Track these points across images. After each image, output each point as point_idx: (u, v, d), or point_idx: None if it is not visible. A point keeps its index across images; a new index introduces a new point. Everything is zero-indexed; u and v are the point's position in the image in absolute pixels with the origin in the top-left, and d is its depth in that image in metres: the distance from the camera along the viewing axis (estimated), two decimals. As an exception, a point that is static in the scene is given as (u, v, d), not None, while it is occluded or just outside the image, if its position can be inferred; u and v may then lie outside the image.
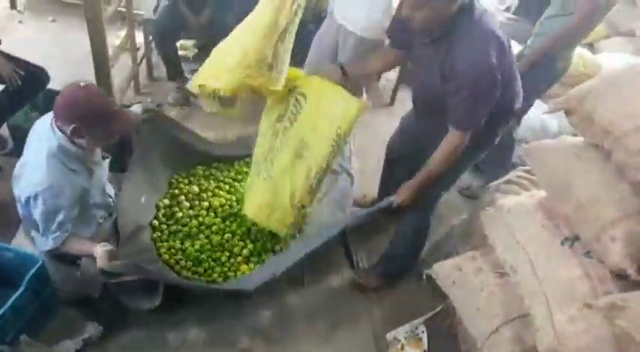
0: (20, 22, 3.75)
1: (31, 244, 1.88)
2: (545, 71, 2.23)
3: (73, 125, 1.55)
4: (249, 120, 3.02)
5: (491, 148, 1.70)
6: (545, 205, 1.43)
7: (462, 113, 1.49)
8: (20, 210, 1.77)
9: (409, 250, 2.11)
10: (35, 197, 1.57)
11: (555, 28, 2.21)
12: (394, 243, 2.10)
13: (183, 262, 2.05)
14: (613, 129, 1.15)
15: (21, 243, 1.90)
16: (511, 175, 2.05)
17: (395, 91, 3.55)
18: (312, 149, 1.84)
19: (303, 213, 1.99)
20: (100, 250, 1.62)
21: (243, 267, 2.07)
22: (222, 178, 2.51)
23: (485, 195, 2.19)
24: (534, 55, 2.22)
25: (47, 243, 1.66)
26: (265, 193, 1.99)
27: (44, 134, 1.63)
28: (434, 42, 1.54)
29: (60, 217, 1.62)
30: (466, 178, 2.92)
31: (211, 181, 2.47)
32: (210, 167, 2.57)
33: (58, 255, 1.82)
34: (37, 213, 1.61)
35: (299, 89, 1.90)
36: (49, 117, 1.67)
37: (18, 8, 3.85)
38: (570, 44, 2.27)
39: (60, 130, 1.60)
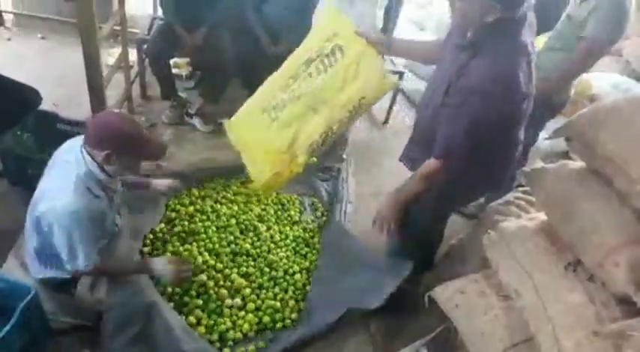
0: (9, 39, 3.71)
1: (21, 271, 1.83)
2: (544, 105, 2.20)
3: (106, 151, 1.55)
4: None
5: (492, 190, 1.71)
6: (547, 229, 1.43)
7: (444, 137, 1.51)
8: (31, 235, 1.72)
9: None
10: (60, 222, 1.54)
11: (555, 61, 2.20)
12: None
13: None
14: (614, 157, 1.16)
15: (10, 269, 1.84)
16: (509, 196, 2.06)
17: (389, 111, 3.58)
18: (330, 108, 1.75)
19: (291, 169, 1.83)
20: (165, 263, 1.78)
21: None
22: (218, 198, 2.50)
23: (483, 214, 2.18)
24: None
25: (76, 265, 1.63)
26: (264, 129, 1.88)
27: (72, 158, 1.61)
28: (464, 48, 1.49)
29: (87, 241, 1.61)
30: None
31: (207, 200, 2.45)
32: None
33: (53, 284, 1.78)
34: (63, 237, 1.57)
35: (339, 41, 1.76)
36: (76, 141, 1.66)
37: (5, 25, 3.81)
38: (572, 79, 2.26)
39: (90, 156, 1.59)
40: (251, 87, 3.33)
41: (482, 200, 2.52)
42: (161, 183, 2.11)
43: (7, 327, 1.44)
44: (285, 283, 2.14)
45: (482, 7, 1.37)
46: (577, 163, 1.41)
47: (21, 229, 2.08)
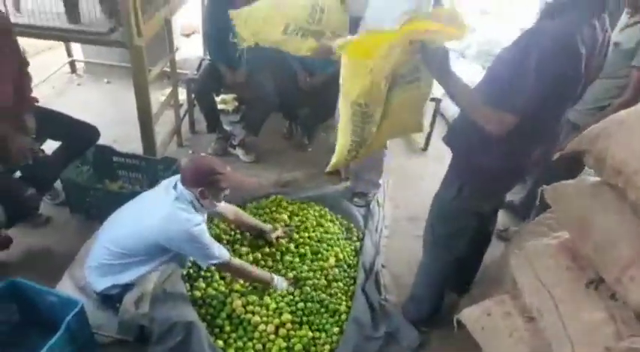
0: (79, 84, 4.15)
1: (73, 289, 2.01)
2: None
3: (200, 188, 1.88)
4: (283, 170, 3.19)
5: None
6: (569, 247, 1.38)
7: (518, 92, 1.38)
8: (101, 252, 1.95)
9: (431, 289, 2.07)
10: (190, 234, 1.85)
11: (601, 90, 2.14)
12: (416, 282, 2.07)
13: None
14: (624, 169, 1.12)
15: (63, 287, 2.03)
16: (541, 217, 2.00)
17: (429, 137, 3.58)
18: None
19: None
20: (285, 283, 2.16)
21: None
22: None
23: (515, 235, 2.13)
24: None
25: (217, 259, 1.96)
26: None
27: (170, 194, 1.91)
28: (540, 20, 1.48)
29: (212, 241, 1.96)
30: (503, 221, 2.87)
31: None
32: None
33: (101, 298, 1.95)
34: (196, 246, 1.90)
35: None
36: (169, 182, 1.99)
37: (77, 72, 4.27)
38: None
39: (187, 191, 1.91)
40: (290, 118, 3.55)
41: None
42: (275, 233, 2.42)
43: (54, 339, 1.59)
44: (323, 314, 2.15)
45: None
46: (595, 178, 1.37)
47: (77, 252, 2.30)
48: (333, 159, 1.88)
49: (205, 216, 2.05)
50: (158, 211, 1.88)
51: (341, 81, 1.71)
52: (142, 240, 1.89)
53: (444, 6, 2.28)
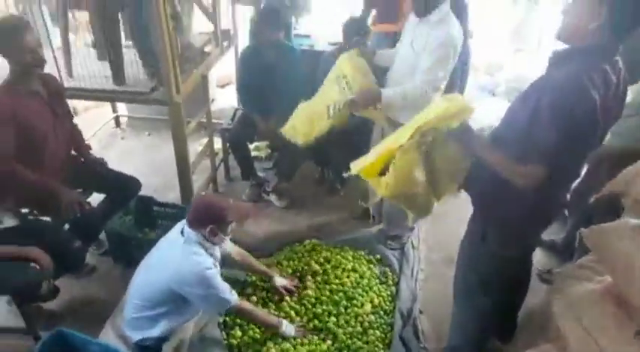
0: (122, 138, 4.39)
1: (115, 339, 2.06)
2: None
3: (209, 227, 1.87)
4: (317, 214, 3.22)
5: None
6: (615, 293, 1.33)
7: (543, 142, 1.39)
8: (134, 302, 1.99)
9: (468, 339, 2.00)
10: (202, 276, 1.85)
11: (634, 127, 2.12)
12: (452, 332, 2.01)
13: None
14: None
15: (106, 336, 2.08)
16: (584, 259, 1.92)
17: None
18: None
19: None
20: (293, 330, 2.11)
21: None
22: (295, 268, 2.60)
23: (557, 279, 2.04)
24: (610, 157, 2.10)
25: (228, 304, 1.95)
26: None
27: (180, 239, 1.92)
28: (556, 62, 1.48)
29: (223, 285, 1.94)
30: (545, 261, 2.77)
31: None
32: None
33: (139, 349, 1.99)
34: (206, 291, 1.88)
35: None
36: (178, 227, 2.01)
37: (121, 126, 4.54)
38: None
39: (195, 233, 1.91)
40: (322, 164, 3.61)
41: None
42: (280, 281, 2.38)
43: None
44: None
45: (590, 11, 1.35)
46: (636, 220, 1.33)
47: (118, 301, 2.37)
48: (411, 217, 1.97)
49: (218, 254, 2.05)
50: (169, 257, 1.91)
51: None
52: (157, 288, 1.91)
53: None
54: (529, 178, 1.44)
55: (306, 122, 2.47)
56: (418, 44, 2.33)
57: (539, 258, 2.81)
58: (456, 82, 3.58)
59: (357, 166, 1.83)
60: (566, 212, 2.81)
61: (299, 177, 3.41)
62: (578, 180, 1.89)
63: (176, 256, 1.89)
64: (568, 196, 1.74)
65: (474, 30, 4.24)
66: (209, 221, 1.88)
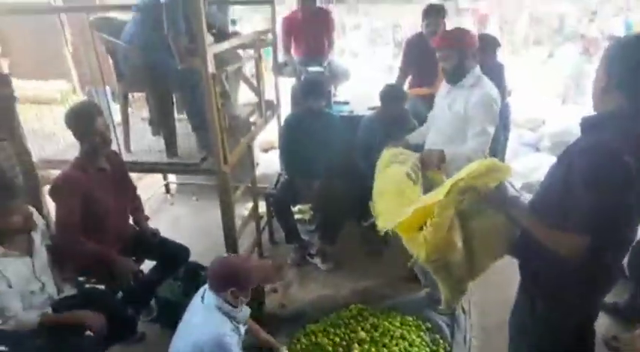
0: (171, 203, 4.59)
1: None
2: None
3: (231, 289, 1.85)
4: (361, 277, 3.18)
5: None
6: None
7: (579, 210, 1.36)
8: None
9: None
10: (219, 343, 1.80)
11: None
12: None
13: None
14: None
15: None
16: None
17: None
18: None
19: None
20: None
21: None
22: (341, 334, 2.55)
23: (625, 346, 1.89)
24: None
25: None
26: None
27: (204, 302, 1.92)
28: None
29: None
30: (610, 326, 2.58)
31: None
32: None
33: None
34: None
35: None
36: (201, 291, 2.01)
37: (170, 192, 4.76)
38: None
39: (217, 296, 1.89)
40: (365, 226, 3.60)
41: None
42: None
43: None
44: None
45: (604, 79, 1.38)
46: None
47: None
48: (445, 299, 1.91)
49: (243, 315, 1.99)
50: (190, 324, 1.90)
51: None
52: None
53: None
54: (570, 247, 1.40)
55: (397, 206, 2.15)
56: (457, 108, 2.43)
57: (601, 321, 2.61)
58: (499, 140, 3.58)
59: (393, 221, 1.83)
60: (627, 271, 2.64)
61: (343, 238, 3.41)
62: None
63: (196, 323, 1.87)
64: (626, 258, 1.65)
65: (513, 87, 4.29)
66: (230, 284, 1.84)
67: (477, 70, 2.43)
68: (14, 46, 5.91)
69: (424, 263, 1.78)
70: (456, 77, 2.43)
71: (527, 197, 3.81)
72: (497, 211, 1.66)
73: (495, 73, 3.74)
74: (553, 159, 1.61)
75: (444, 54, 2.40)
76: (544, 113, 5.73)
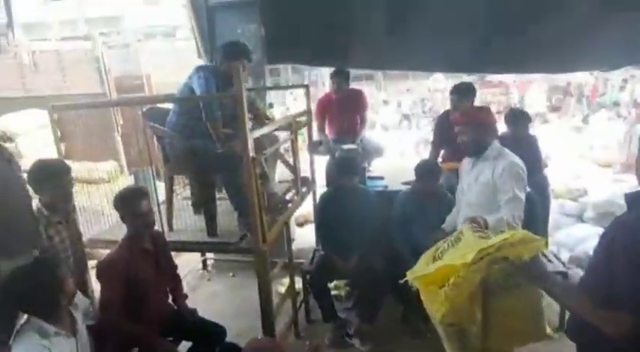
0: (209, 279, 4.62)
1: None
2: None
3: None
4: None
5: None
6: None
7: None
8: None
9: None
10: None
11: None
12: None
13: None
14: None
15: None
16: None
17: (562, 319, 3.24)
18: None
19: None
20: None
21: None
22: None
23: None
24: None
25: None
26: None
27: None
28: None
29: None
30: None
31: None
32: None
33: None
34: None
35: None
36: None
37: (208, 268, 4.80)
38: None
39: None
40: (404, 303, 3.49)
41: None
42: None
43: None
44: None
45: None
46: None
47: None
48: None
49: None
50: None
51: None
52: None
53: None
54: (615, 326, 1.34)
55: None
56: (484, 179, 2.55)
57: None
58: (536, 211, 3.49)
59: (414, 273, 1.78)
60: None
61: (382, 316, 3.30)
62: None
63: None
64: None
65: (549, 157, 4.27)
66: None
67: (496, 144, 2.59)
68: (70, 131, 6.42)
69: (438, 324, 1.69)
70: (474, 150, 2.60)
71: (576, 271, 3.63)
72: (532, 285, 1.60)
73: (529, 145, 3.77)
74: (599, 231, 1.57)
75: (460, 129, 2.61)
76: (584, 182, 5.60)
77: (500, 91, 15.63)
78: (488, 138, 2.57)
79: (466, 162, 2.75)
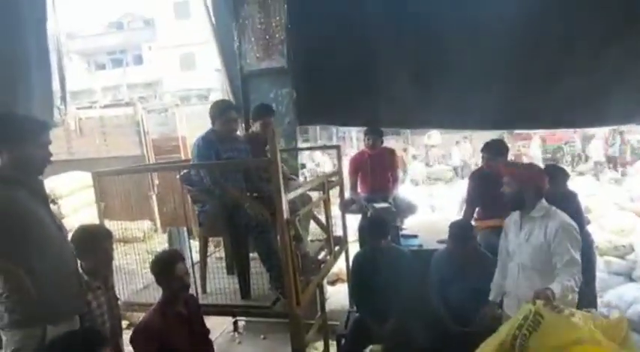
0: (239, 342, 4.50)
1: None
2: None
3: None
4: None
5: None
6: None
7: None
8: None
9: None
10: None
11: None
12: None
13: None
14: None
15: None
16: None
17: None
18: None
19: None
20: None
21: None
22: None
23: None
24: None
25: None
26: None
27: None
28: None
29: None
30: None
31: None
32: None
33: None
34: None
35: None
36: None
37: (239, 330, 4.70)
38: None
39: None
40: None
41: None
42: None
43: None
44: None
45: None
46: None
47: None
48: None
49: None
50: None
51: None
52: None
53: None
54: None
55: None
56: (536, 240, 2.46)
57: None
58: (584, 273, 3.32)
59: None
60: None
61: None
62: None
63: None
64: None
65: (591, 212, 4.12)
66: None
67: (544, 202, 2.50)
68: (109, 191, 6.66)
69: None
70: (516, 204, 2.54)
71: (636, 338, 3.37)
72: None
73: (569, 202, 3.65)
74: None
75: (506, 180, 2.55)
76: (629, 236, 5.32)
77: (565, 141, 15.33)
78: (533, 195, 2.48)
79: (511, 222, 2.67)
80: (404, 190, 6.90)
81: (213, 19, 4.49)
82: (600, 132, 13.92)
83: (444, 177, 14.48)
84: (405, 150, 15.65)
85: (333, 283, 5.35)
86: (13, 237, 1.81)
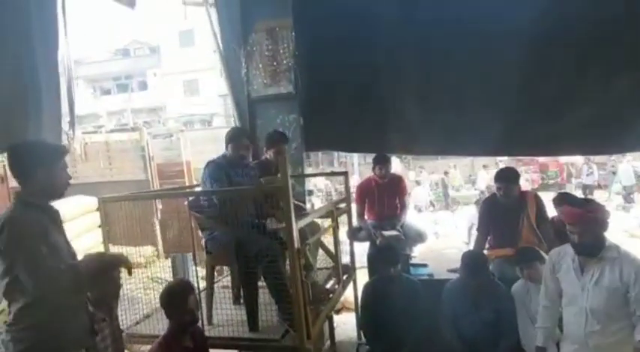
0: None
1: None
2: None
3: None
4: None
5: None
6: None
7: None
8: None
9: None
10: None
11: None
12: None
13: None
14: None
15: None
16: None
17: None
18: None
19: None
20: None
21: None
22: None
23: None
24: None
25: None
26: None
27: None
28: None
29: None
30: None
31: None
32: None
33: None
34: None
35: None
36: None
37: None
38: None
39: None
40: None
41: None
42: None
43: None
44: None
45: None
46: None
47: None
48: None
49: None
50: None
51: None
52: None
53: None
54: None
55: None
56: (609, 283, 2.26)
57: None
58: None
59: None
60: None
61: None
62: None
63: None
64: None
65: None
66: None
67: (611, 240, 2.33)
68: (113, 216, 6.60)
69: None
70: (594, 250, 2.29)
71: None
72: None
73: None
74: None
75: (577, 230, 2.27)
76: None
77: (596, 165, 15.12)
78: (603, 234, 2.30)
79: (560, 261, 2.44)
80: (411, 217, 6.81)
81: (220, 45, 4.53)
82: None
83: (470, 202, 14.16)
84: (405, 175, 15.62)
85: (338, 312, 5.22)
86: (38, 253, 1.76)
